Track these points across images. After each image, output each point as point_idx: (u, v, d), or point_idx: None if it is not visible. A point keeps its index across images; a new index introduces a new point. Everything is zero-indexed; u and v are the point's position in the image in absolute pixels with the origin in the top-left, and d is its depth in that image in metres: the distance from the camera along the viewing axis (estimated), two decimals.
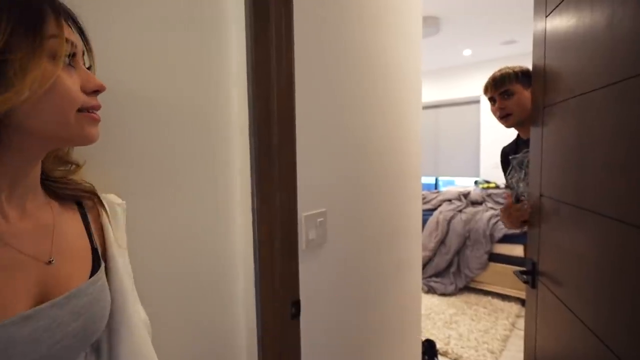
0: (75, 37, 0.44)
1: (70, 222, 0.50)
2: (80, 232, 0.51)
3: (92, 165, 0.60)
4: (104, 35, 0.62)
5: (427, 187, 5.31)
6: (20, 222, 0.44)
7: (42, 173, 0.48)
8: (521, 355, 2.07)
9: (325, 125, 1.09)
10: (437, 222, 3.18)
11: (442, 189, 4.59)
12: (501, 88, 1.32)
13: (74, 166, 0.54)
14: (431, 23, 3.19)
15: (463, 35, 3.71)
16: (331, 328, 1.16)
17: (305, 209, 1.02)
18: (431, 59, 4.54)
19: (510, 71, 1.32)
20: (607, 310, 0.70)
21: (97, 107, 0.47)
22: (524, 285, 2.68)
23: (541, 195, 1.06)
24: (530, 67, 1.34)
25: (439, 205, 3.43)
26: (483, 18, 3.24)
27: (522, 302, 2.74)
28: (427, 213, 3.33)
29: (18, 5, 0.37)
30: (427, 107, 5.10)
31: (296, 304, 0.94)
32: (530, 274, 1.11)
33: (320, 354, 1.11)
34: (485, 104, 4.72)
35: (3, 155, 0.40)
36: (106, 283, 0.51)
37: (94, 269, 0.50)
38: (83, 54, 0.48)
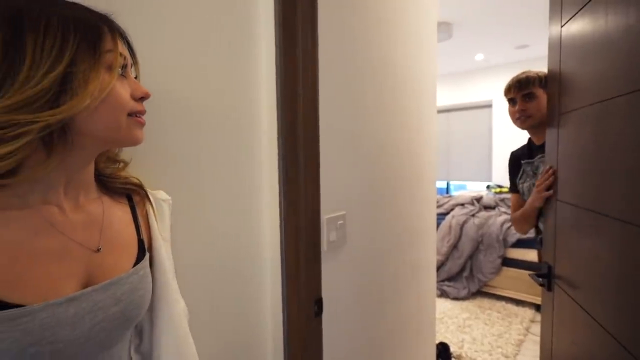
0: (125, 51, 0.50)
1: (119, 215, 0.55)
2: (128, 224, 0.56)
3: (136, 165, 0.65)
4: (149, 48, 0.68)
5: (438, 191, 5.30)
6: (74, 213, 0.48)
7: (96, 170, 0.54)
8: (536, 359, 2.06)
9: (345, 132, 1.13)
10: (450, 227, 3.19)
11: (454, 193, 4.59)
12: (525, 90, 1.35)
13: (122, 164, 0.59)
14: (444, 29, 3.22)
15: (475, 40, 3.72)
16: (349, 327, 1.19)
17: (326, 212, 1.06)
18: (443, 63, 4.55)
19: (535, 75, 1.35)
20: (625, 313, 0.72)
21: (143, 112, 0.52)
22: (538, 290, 2.67)
23: (557, 200, 1.08)
24: (545, 71, 1.37)
25: (452, 210, 3.43)
26: (495, 23, 3.25)
27: (537, 307, 2.72)
28: (439, 217, 3.33)
29: (82, 25, 0.42)
30: (439, 111, 5.10)
31: (319, 302, 0.98)
32: (546, 277, 1.13)
33: (339, 352, 1.15)
34: (497, 108, 4.71)
35: (66, 155, 0.45)
36: (149, 273, 0.56)
37: (139, 259, 0.54)
38: (131, 65, 0.53)
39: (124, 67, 0.49)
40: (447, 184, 5.37)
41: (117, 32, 0.48)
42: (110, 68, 0.45)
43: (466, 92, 5.03)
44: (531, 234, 2.79)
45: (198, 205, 0.78)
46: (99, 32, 0.44)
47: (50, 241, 0.44)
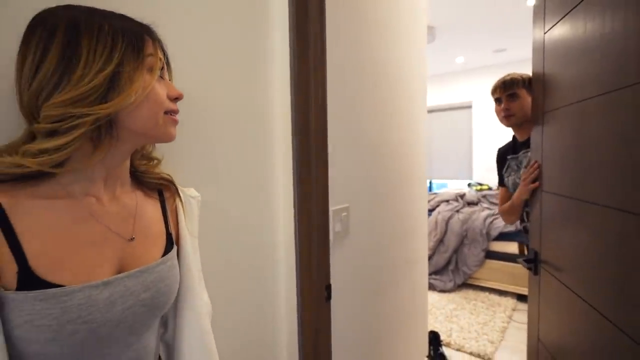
0: (162, 56, 0.54)
1: (150, 209, 0.59)
2: (158, 218, 0.60)
3: (167, 162, 0.69)
4: (178, 56, 0.73)
5: None
6: (111, 204, 0.52)
7: (131, 167, 0.58)
8: (519, 345, 2.20)
9: (348, 131, 1.20)
10: (436, 222, 3.31)
11: (437, 191, 4.74)
12: (509, 90, 1.46)
13: (155, 161, 0.63)
14: (428, 32, 3.35)
15: (456, 43, 3.88)
16: (352, 313, 1.26)
17: (332, 204, 1.12)
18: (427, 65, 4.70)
19: (519, 77, 1.46)
20: (605, 287, 0.82)
21: (177, 111, 0.56)
22: (520, 281, 2.83)
23: (542, 191, 1.19)
24: (523, 73, 1.49)
25: (437, 206, 3.57)
26: (476, 28, 3.41)
27: (518, 296, 2.88)
28: None
29: (129, 32, 0.48)
30: None
31: (328, 288, 1.04)
32: (533, 262, 1.24)
33: (344, 336, 1.22)
34: (477, 109, 4.91)
35: (111, 149, 0.49)
36: (176, 264, 0.59)
37: (167, 251, 0.58)
38: (166, 69, 0.58)
39: (162, 69, 0.53)
40: (430, 182, 5.53)
41: (156, 40, 0.53)
42: (151, 70, 0.50)
43: (447, 94, 5.21)
44: (511, 226, 2.95)
45: (220, 199, 0.83)
46: (142, 38, 0.49)
47: (89, 229, 0.48)
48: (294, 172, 0.95)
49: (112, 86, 0.45)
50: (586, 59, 0.88)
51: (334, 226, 1.13)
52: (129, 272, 0.50)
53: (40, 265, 0.43)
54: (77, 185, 0.48)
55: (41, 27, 0.44)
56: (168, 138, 0.55)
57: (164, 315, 0.62)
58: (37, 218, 0.44)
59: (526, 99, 1.44)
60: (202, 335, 0.62)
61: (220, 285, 0.83)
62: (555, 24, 1.05)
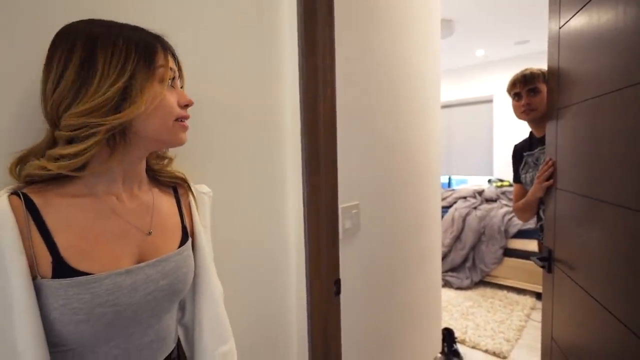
0: (174, 65, 0.58)
1: (166, 204, 0.64)
2: (174, 212, 0.65)
3: (181, 161, 0.73)
4: (191, 60, 0.76)
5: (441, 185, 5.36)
6: (130, 201, 0.57)
7: (147, 166, 0.63)
8: (536, 344, 2.16)
9: (359, 128, 1.22)
10: (453, 219, 3.27)
11: (456, 187, 4.67)
12: (530, 85, 1.43)
13: (167, 160, 0.68)
14: (445, 26, 3.29)
15: (476, 36, 3.79)
16: (363, 308, 1.28)
17: (341, 202, 1.14)
18: (445, 60, 4.61)
19: (538, 71, 1.43)
20: (618, 288, 0.81)
21: (187, 117, 0.59)
22: (539, 279, 2.77)
23: (557, 189, 1.17)
24: (544, 66, 1.44)
25: (454, 203, 3.52)
26: (496, 19, 3.32)
27: (537, 295, 2.82)
28: (442, 210, 3.40)
29: (141, 45, 0.51)
30: (440, 107, 5.17)
31: (337, 283, 1.07)
32: (547, 260, 1.22)
33: (355, 330, 1.24)
34: (498, 103, 4.78)
35: (124, 153, 0.54)
36: (191, 254, 0.64)
37: (182, 242, 0.62)
38: (178, 77, 0.61)
39: (173, 79, 0.57)
40: (449, 178, 5.44)
41: (168, 50, 0.57)
42: (161, 80, 0.54)
43: (467, 88, 5.09)
44: (531, 224, 2.88)
45: (231, 195, 0.87)
46: (154, 50, 0.53)
47: (112, 224, 0.54)
48: (302, 169, 0.97)
49: (124, 97, 0.49)
50: (601, 54, 0.86)
51: (343, 223, 1.15)
52: (149, 261, 0.55)
53: (71, 256, 0.48)
54: (99, 185, 0.53)
55: (64, 41, 0.48)
56: (178, 143, 0.59)
57: (182, 301, 0.68)
58: (65, 214, 0.49)
59: (546, 93, 1.41)
60: (218, 317, 0.68)
61: (232, 277, 0.87)
62: (570, 18, 1.02)
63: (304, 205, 0.98)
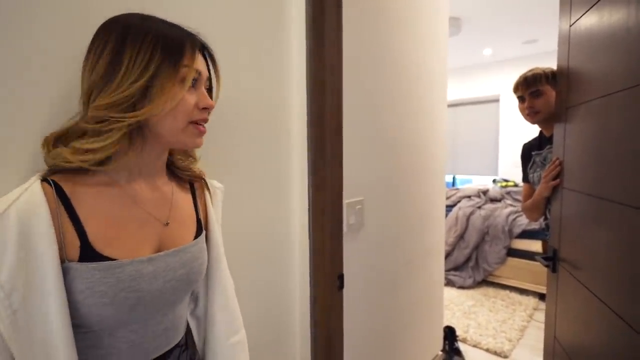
0: (202, 66, 0.56)
1: (183, 198, 0.65)
2: (190, 206, 0.66)
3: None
4: None
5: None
6: (151, 192, 0.59)
7: (172, 163, 0.64)
8: (538, 344, 2.16)
9: (364, 125, 1.22)
10: (457, 218, 3.27)
11: (460, 186, 4.65)
12: (532, 88, 1.39)
13: (191, 159, 0.69)
14: (453, 24, 3.26)
15: (484, 34, 3.76)
16: (366, 303, 1.29)
17: (346, 197, 1.15)
18: (452, 58, 4.59)
19: (541, 72, 1.39)
20: (622, 287, 0.80)
21: (205, 120, 0.58)
22: (542, 280, 2.75)
23: (563, 188, 1.16)
24: (552, 66, 1.42)
25: (459, 202, 3.51)
26: (504, 18, 3.29)
27: (540, 296, 2.81)
28: (446, 209, 3.41)
29: (169, 43, 0.50)
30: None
31: (341, 278, 1.07)
32: (552, 259, 1.22)
33: (357, 324, 1.25)
34: (505, 103, 4.75)
35: (142, 149, 0.55)
36: (205, 247, 0.66)
37: (197, 234, 0.64)
38: (207, 78, 0.59)
39: (196, 80, 0.55)
40: (453, 177, 5.42)
41: (200, 50, 0.55)
42: (182, 81, 0.52)
43: (474, 87, 5.06)
44: (535, 224, 2.87)
45: (238, 189, 0.88)
46: (181, 49, 0.52)
47: (134, 213, 0.55)
48: (308, 165, 0.98)
49: (144, 95, 0.49)
50: (610, 53, 0.85)
51: (347, 218, 1.15)
52: (169, 250, 0.57)
53: (97, 241, 0.50)
54: (120, 177, 0.55)
55: (103, 32, 0.50)
56: (192, 146, 0.59)
57: (195, 292, 0.69)
58: (93, 202, 0.51)
59: (551, 94, 1.39)
60: (230, 308, 0.70)
61: (237, 270, 0.88)
62: (580, 16, 1.02)
63: (309, 200, 0.99)
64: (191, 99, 0.55)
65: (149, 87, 0.49)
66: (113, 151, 0.50)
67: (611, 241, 0.85)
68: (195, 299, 0.70)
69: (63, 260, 0.47)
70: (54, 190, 0.48)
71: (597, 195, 0.92)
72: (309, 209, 0.99)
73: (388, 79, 1.32)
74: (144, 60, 0.48)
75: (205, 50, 0.59)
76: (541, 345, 2.03)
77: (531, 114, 1.44)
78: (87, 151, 0.49)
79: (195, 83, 0.55)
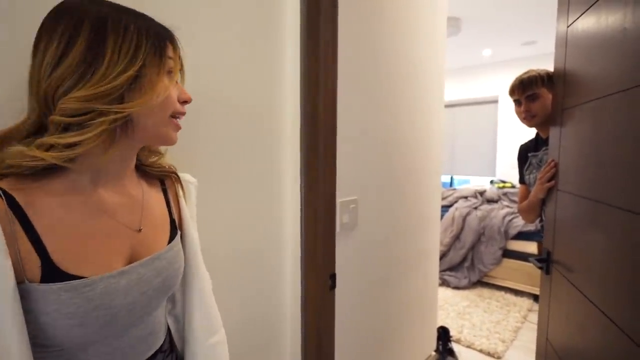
0: (177, 59, 0.54)
1: (154, 198, 0.61)
2: (162, 205, 0.62)
3: (171, 153, 0.72)
4: (198, 54, 0.75)
5: (442, 185, 5.35)
6: (120, 198, 0.54)
7: (138, 160, 0.60)
8: (531, 345, 2.16)
9: (359, 124, 1.21)
10: (453, 218, 3.27)
11: (458, 187, 4.65)
12: (528, 91, 1.37)
13: (159, 155, 0.65)
14: (452, 24, 3.26)
15: (483, 35, 3.75)
16: (359, 303, 1.28)
17: (339, 196, 1.14)
18: (451, 58, 4.58)
19: (537, 74, 1.37)
20: (615, 291, 0.80)
21: (183, 114, 0.55)
22: (537, 281, 2.75)
23: (558, 190, 1.16)
24: (550, 68, 1.41)
25: (455, 202, 3.51)
26: (503, 19, 3.28)
27: (535, 297, 2.81)
28: (443, 209, 3.40)
29: (152, 33, 0.48)
30: (444, 106, 5.13)
31: (333, 277, 1.07)
32: (545, 261, 1.21)
33: (349, 324, 1.24)
34: (504, 104, 4.75)
35: (122, 146, 0.50)
36: (181, 249, 0.63)
37: (172, 236, 0.60)
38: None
39: (170, 72, 0.53)
40: (451, 178, 5.43)
41: (175, 43, 0.53)
42: (170, 72, 0.51)
43: (473, 88, 5.06)
44: (531, 226, 2.87)
45: (228, 187, 0.87)
46: (164, 40, 0.50)
47: (101, 224, 0.51)
48: (301, 162, 0.97)
49: (132, 87, 0.46)
50: (607, 54, 0.85)
51: (341, 217, 1.15)
52: (142, 260, 0.53)
53: (61, 259, 0.45)
54: (84, 180, 0.50)
55: (67, 16, 0.44)
56: (170, 142, 0.55)
57: (172, 292, 0.66)
58: (52, 214, 0.46)
59: (547, 97, 1.38)
60: (207, 307, 0.67)
61: (227, 269, 0.87)
62: (578, 17, 1.01)
63: (301, 199, 0.98)
64: (174, 91, 0.53)
65: (138, 77, 0.46)
66: (92, 146, 0.45)
67: (605, 244, 0.84)
68: (172, 299, 0.68)
69: (22, 280, 0.43)
70: (4, 201, 0.42)
71: (591, 198, 0.91)
72: (301, 208, 0.98)
73: (384, 79, 1.31)
74: (130, 49, 0.45)
75: (176, 45, 0.55)
76: (534, 347, 2.03)
77: (528, 118, 1.42)
78: (67, 146, 0.44)
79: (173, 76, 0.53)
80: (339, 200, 1.13)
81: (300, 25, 0.93)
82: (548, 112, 1.37)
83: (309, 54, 0.93)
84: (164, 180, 0.65)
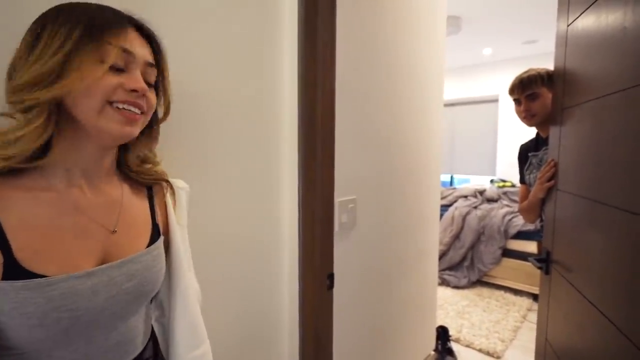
0: (138, 48, 0.50)
1: (137, 201, 0.59)
2: (145, 210, 0.60)
3: (166, 155, 0.71)
4: (182, 48, 0.75)
5: (442, 184, 5.34)
6: (95, 196, 0.53)
7: (127, 166, 0.59)
8: (531, 345, 2.16)
9: (358, 123, 1.20)
10: (453, 218, 3.26)
11: (458, 186, 4.65)
12: (528, 90, 1.37)
13: (150, 164, 0.63)
14: (453, 22, 3.25)
15: (484, 34, 3.74)
16: (357, 301, 1.28)
17: (338, 195, 1.14)
18: (451, 57, 4.57)
19: (536, 74, 1.36)
20: (613, 291, 0.80)
21: (128, 102, 0.49)
22: (536, 281, 2.75)
23: (557, 190, 1.15)
24: (551, 67, 1.40)
25: (455, 201, 3.51)
26: (504, 18, 3.27)
27: (534, 297, 2.81)
28: (443, 209, 3.40)
29: (94, 19, 0.46)
30: (444, 105, 5.11)
31: (331, 277, 1.06)
32: (545, 261, 1.21)
33: (348, 324, 1.24)
34: (504, 103, 4.74)
35: (79, 141, 0.49)
36: (162, 253, 0.60)
37: (152, 241, 0.58)
38: (149, 64, 0.53)
39: (128, 62, 0.50)
40: (451, 177, 5.42)
41: (133, 28, 0.50)
42: (102, 61, 0.46)
43: (473, 87, 5.04)
44: (531, 225, 2.86)
45: (226, 186, 0.86)
46: (104, 26, 0.47)
47: (73, 221, 0.49)
48: (299, 161, 0.96)
49: (62, 74, 0.44)
50: (606, 53, 0.84)
51: (339, 217, 1.14)
52: (112, 263, 0.51)
53: (25, 257, 0.44)
54: (58, 178, 0.49)
55: (34, 24, 0.46)
56: (117, 134, 0.50)
57: (159, 299, 0.65)
58: (22, 210, 0.45)
59: (547, 96, 1.37)
60: (192, 319, 0.65)
61: (224, 269, 0.87)
62: (578, 16, 1.00)
63: (299, 197, 0.98)
64: (113, 79, 0.48)
65: (67, 62, 0.44)
66: (41, 142, 0.44)
67: (604, 244, 0.84)
68: (159, 307, 0.66)
69: None
70: None
71: (591, 198, 0.91)
72: (299, 208, 0.98)
73: (383, 79, 1.31)
74: (62, 34, 0.44)
75: (143, 32, 0.52)
76: (534, 346, 2.03)
77: (528, 117, 1.42)
78: (13, 141, 0.43)
79: (127, 65, 0.49)
80: (337, 199, 1.12)
81: (298, 26, 0.93)
82: (548, 112, 1.36)
83: (306, 56, 0.92)
84: (152, 186, 0.63)
